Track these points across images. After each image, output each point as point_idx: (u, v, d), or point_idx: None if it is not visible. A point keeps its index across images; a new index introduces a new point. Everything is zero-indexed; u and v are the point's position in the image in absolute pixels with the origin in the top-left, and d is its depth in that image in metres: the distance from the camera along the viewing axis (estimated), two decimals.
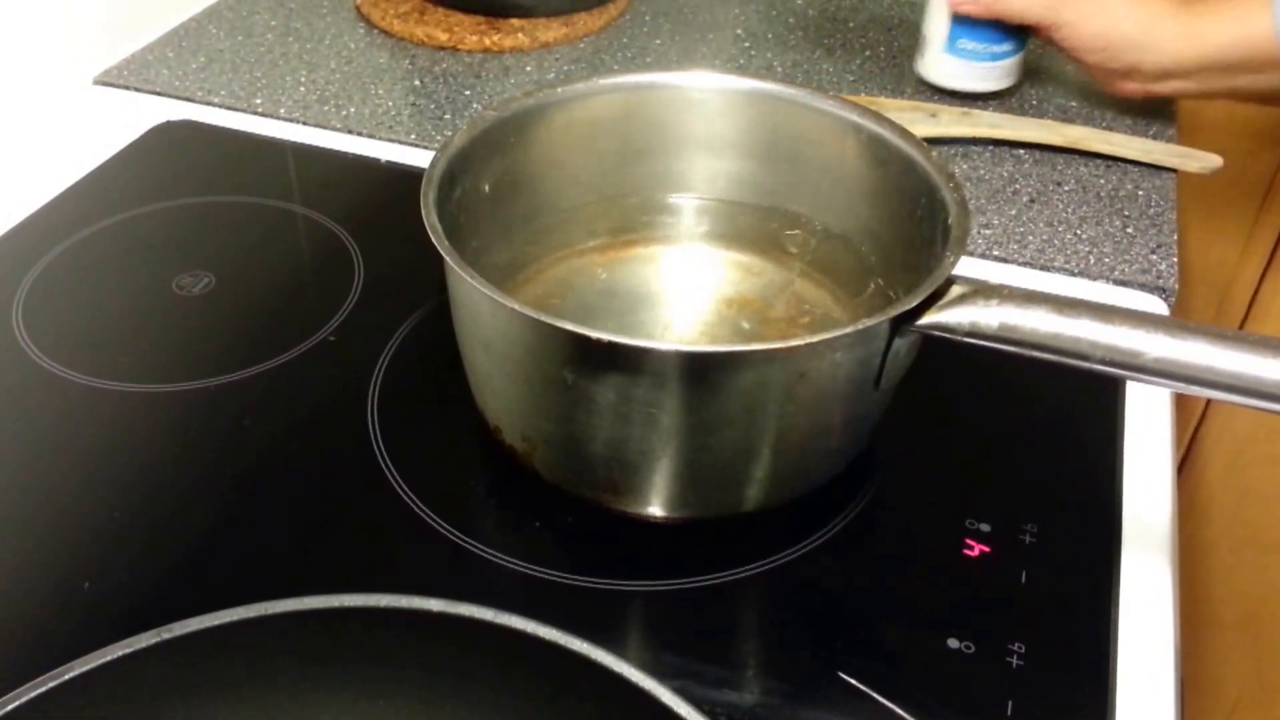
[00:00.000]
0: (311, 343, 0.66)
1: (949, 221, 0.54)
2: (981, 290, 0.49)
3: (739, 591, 0.53)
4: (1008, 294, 0.49)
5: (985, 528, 0.56)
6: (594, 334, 0.46)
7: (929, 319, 0.49)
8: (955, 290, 0.50)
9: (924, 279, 0.55)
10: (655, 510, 0.54)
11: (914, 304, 0.48)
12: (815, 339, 0.46)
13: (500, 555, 0.54)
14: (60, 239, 0.74)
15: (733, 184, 0.67)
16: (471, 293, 0.50)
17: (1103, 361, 0.47)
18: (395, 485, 0.57)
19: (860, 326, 0.47)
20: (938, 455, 0.61)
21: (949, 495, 0.58)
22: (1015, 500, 0.58)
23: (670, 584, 0.53)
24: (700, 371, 0.47)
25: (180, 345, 0.66)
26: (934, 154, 0.58)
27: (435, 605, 0.41)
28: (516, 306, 0.47)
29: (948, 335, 0.49)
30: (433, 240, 0.51)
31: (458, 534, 0.55)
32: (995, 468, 0.60)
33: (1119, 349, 0.46)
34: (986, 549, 0.55)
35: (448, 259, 0.50)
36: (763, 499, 0.54)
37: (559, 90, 0.63)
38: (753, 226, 0.67)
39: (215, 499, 0.57)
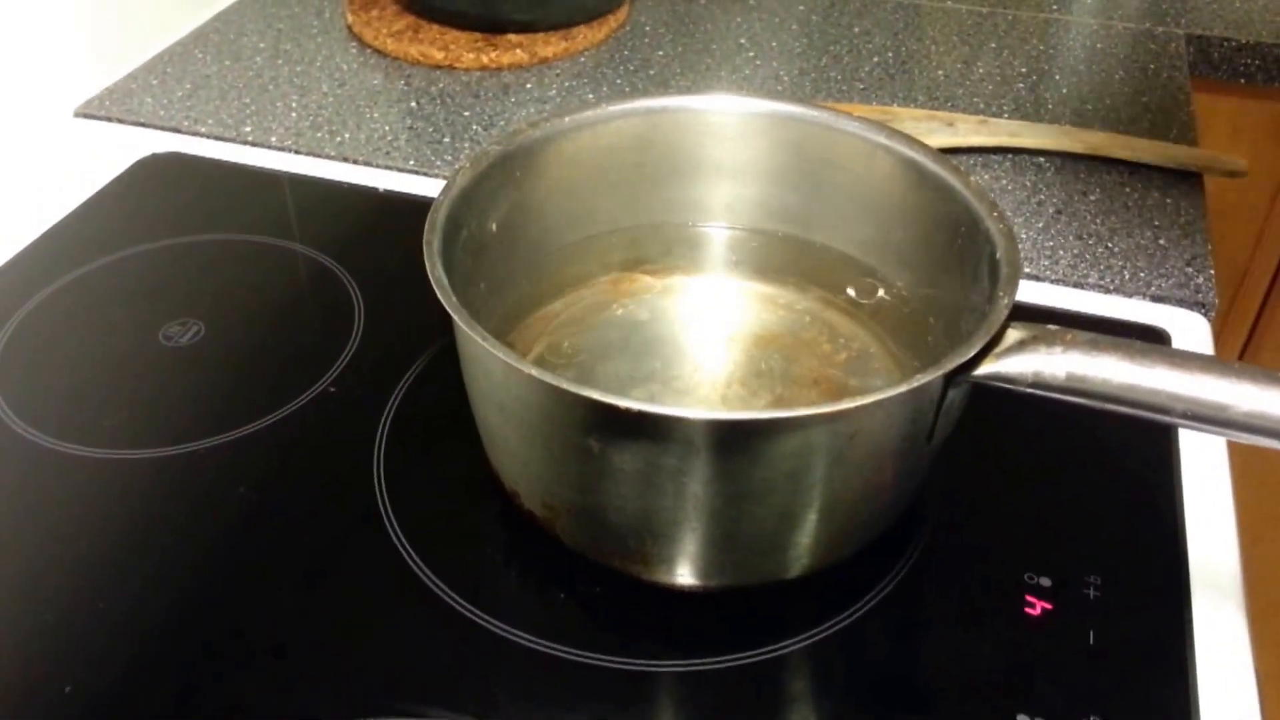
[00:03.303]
0: (310, 395, 0.62)
1: (996, 256, 0.49)
2: (1043, 336, 0.45)
3: (781, 669, 0.49)
4: (1072, 339, 0.44)
5: (1046, 582, 0.52)
6: (621, 402, 0.41)
7: (987, 369, 0.45)
8: (1012, 335, 0.45)
9: (968, 314, 0.50)
10: (689, 580, 0.49)
11: (970, 354, 0.44)
12: (866, 401, 0.42)
13: (520, 633, 0.50)
14: (37, 288, 0.69)
15: (754, 211, 0.63)
16: (483, 354, 0.45)
17: (1185, 415, 0.42)
18: (404, 555, 0.53)
19: (914, 384, 0.42)
20: (987, 503, 0.57)
21: (1003, 547, 0.54)
22: (1074, 550, 0.54)
23: (708, 663, 0.49)
24: (740, 440, 0.43)
25: (167, 404, 0.61)
26: (973, 180, 0.54)
27: None
28: (534, 372, 0.43)
29: (1009, 386, 0.45)
30: (439, 297, 0.46)
31: (473, 609, 0.51)
32: (1049, 515, 0.56)
33: (1204, 402, 0.42)
34: (1049, 606, 0.51)
35: (456, 318, 0.45)
36: (807, 564, 0.49)
37: (566, 119, 0.59)
38: (776, 255, 0.63)
39: (207, 577, 0.52)
